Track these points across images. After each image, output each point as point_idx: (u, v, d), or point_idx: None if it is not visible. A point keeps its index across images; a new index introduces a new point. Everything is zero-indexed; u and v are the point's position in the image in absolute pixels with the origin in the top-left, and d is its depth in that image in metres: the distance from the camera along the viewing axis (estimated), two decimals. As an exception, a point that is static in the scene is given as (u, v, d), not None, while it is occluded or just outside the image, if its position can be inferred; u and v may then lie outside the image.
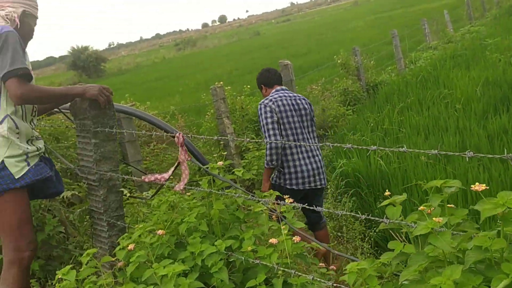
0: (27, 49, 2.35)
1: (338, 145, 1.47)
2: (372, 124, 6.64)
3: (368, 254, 4.15)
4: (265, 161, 3.39)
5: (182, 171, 1.98)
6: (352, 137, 6.14)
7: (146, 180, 2.11)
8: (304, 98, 3.66)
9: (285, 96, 3.50)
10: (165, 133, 3.68)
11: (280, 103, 3.40)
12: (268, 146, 3.29)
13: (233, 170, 2.06)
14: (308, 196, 3.51)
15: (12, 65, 2.03)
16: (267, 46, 32.23)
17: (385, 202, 1.38)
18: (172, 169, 2.03)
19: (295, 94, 3.64)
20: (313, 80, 11.98)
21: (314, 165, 3.43)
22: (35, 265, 2.66)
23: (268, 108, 3.34)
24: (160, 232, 1.87)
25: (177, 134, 1.91)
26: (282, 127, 3.37)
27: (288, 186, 3.39)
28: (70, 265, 1.85)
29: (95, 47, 43.91)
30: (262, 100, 3.48)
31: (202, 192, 2.06)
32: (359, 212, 4.88)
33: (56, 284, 1.84)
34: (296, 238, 1.71)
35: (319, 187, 3.51)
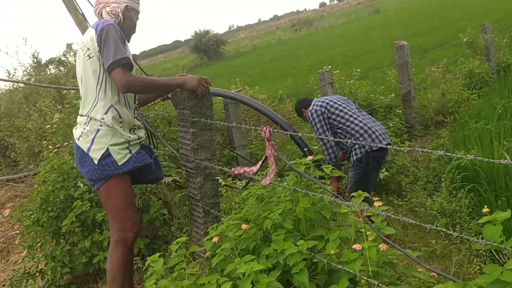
0: (135, 39, 2.49)
1: (428, 151, 1.29)
2: (500, 111, 5.91)
3: (484, 258, 3.74)
4: (328, 160, 3.66)
5: (269, 166, 1.95)
6: (473, 126, 5.52)
7: (236, 172, 2.12)
8: None
9: (322, 98, 3.84)
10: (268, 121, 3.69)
11: (324, 99, 3.74)
12: (323, 147, 3.63)
13: (321, 167, 1.97)
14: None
15: (115, 56, 2.16)
16: (387, 24, 30.59)
17: (484, 219, 1.19)
18: (260, 162, 2.01)
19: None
20: (435, 60, 11.07)
21: (379, 126, 3.69)
22: (140, 244, 2.87)
23: (316, 114, 3.62)
24: (244, 226, 1.87)
25: (264, 129, 1.87)
26: (335, 115, 3.60)
27: (374, 148, 3.53)
28: (162, 252, 1.93)
29: (217, 31, 45.99)
30: (309, 109, 3.74)
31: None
32: (475, 210, 4.40)
33: (149, 269, 1.94)
34: (383, 246, 1.57)
35: (390, 143, 3.71)
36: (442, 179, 4.74)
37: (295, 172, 1.88)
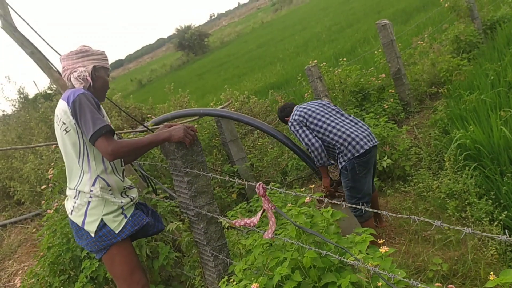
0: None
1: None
2: (492, 77, 5.80)
3: (499, 241, 3.72)
4: (316, 162, 3.74)
5: (269, 219, 1.92)
6: (468, 98, 5.44)
7: (237, 224, 2.09)
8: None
9: (302, 105, 3.92)
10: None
11: (302, 108, 3.82)
12: (312, 148, 3.65)
13: (322, 211, 1.94)
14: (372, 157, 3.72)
15: (95, 126, 2.10)
16: (366, -10, 30.16)
17: (490, 283, 1.16)
18: (259, 214, 1.98)
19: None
20: (420, 28, 10.91)
21: (361, 129, 3.67)
22: (155, 291, 2.86)
23: (296, 122, 3.74)
24: (254, 286, 1.85)
25: (257, 185, 1.84)
26: (313, 125, 3.68)
27: (356, 154, 3.54)
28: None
29: (198, 22, 45.50)
30: (289, 119, 3.87)
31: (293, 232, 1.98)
32: (482, 188, 4.36)
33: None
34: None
35: (375, 144, 3.68)
36: (445, 159, 4.69)
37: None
